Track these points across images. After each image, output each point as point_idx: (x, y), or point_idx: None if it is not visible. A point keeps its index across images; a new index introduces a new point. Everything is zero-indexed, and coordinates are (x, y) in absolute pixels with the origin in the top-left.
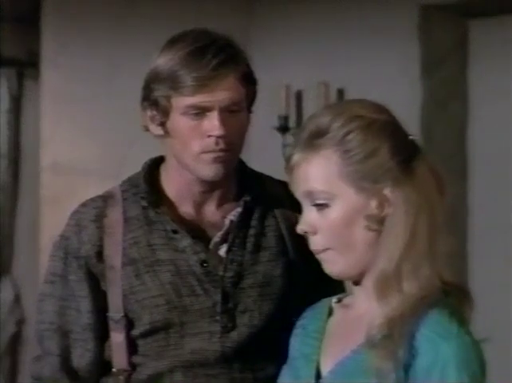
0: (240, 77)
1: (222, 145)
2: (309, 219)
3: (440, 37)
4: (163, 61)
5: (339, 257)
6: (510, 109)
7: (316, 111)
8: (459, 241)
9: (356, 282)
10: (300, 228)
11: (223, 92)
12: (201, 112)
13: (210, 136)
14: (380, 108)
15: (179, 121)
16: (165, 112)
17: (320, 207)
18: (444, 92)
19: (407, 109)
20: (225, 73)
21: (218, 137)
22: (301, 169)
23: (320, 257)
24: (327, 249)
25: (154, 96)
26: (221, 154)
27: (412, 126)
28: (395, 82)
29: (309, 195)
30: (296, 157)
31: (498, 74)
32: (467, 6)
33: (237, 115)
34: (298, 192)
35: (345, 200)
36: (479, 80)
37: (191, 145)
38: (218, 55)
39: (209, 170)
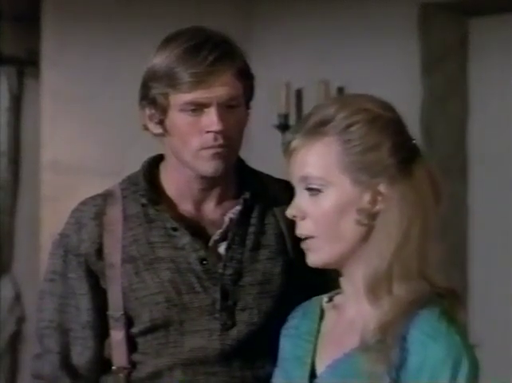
0: (236, 73)
1: (220, 141)
2: (300, 204)
3: (440, 35)
4: (160, 60)
5: (323, 245)
6: (510, 108)
7: (322, 102)
8: (459, 241)
9: (343, 276)
10: (289, 212)
11: (220, 88)
12: (199, 108)
13: (208, 131)
14: (387, 106)
15: (178, 118)
16: (163, 110)
17: (314, 193)
18: (444, 90)
19: (407, 108)
20: (221, 68)
21: (216, 133)
22: (300, 154)
23: (304, 245)
24: (312, 237)
25: (152, 95)
26: (220, 150)
27: (412, 125)
28: (395, 80)
29: (305, 180)
30: (296, 142)
31: (498, 73)
32: (467, 5)
33: (235, 110)
34: (294, 177)
35: (340, 190)
36: (479, 78)
37: (190, 142)
38: (213, 51)
39: (208, 166)
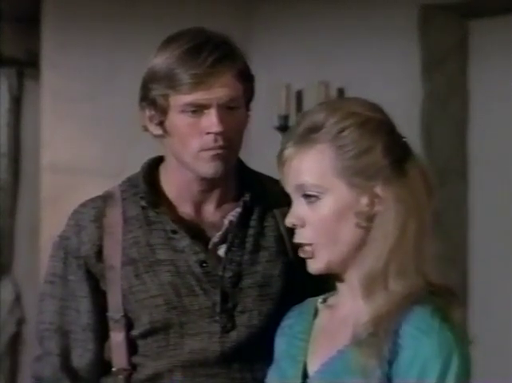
0: (237, 74)
1: (220, 142)
2: (298, 212)
3: (440, 36)
4: (160, 61)
5: (323, 251)
6: (510, 109)
7: (310, 108)
8: (460, 241)
9: (340, 278)
10: (288, 221)
11: (220, 89)
12: (199, 109)
13: (208, 133)
14: (375, 107)
15: (178, 120)
16: (163, 111)
17: (311, 200)
18: (444, 91)
19: (408, 109)
20: (222, 70)
21: (216, 134)
22: (294, 163)
23: (303, 253)
24: (311, 244)
25: (152, 96)
26: (220, 151)
27: (412, 126)
28: (395, 82)
29: (301, 188)
30: (289, 151)
31: (498, 74)
32: (467, 6)
33: (235, 112)
34: (289, 186)
35: (337, 195)
36: (479, 80)
37: (190, 143)
38: (214, 52)
39: (208, 167)
